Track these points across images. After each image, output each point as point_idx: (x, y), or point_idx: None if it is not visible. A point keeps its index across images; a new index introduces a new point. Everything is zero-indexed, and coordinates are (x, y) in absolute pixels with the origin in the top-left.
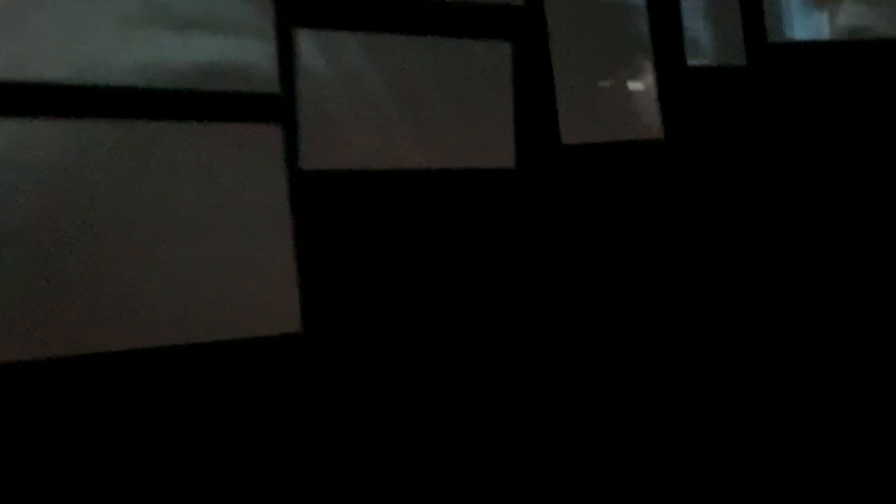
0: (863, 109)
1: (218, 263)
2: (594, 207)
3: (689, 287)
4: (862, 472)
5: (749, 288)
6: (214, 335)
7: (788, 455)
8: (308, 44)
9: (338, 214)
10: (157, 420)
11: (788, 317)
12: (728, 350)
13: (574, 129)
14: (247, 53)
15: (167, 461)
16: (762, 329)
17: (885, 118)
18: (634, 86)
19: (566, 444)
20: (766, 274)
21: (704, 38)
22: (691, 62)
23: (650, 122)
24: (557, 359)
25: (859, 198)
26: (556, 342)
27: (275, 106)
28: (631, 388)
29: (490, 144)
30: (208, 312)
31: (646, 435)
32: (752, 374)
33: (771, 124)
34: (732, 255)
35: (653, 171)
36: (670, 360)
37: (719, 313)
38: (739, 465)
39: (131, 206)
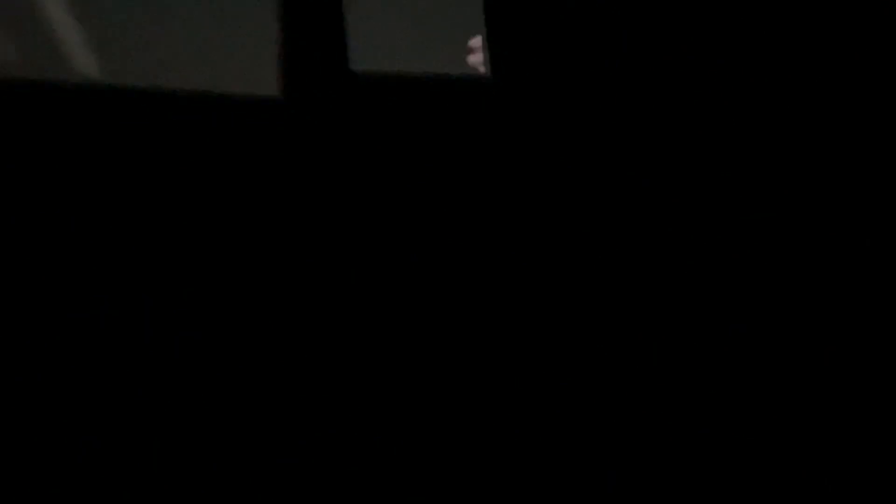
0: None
1: None
2: (387, 154)
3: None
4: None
5: (582, 242)
6: None
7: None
8: None
9: None
10: None
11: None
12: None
13: (368, 52)
14: None
15: None
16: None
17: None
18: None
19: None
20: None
21: None
22: None
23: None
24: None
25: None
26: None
27: None
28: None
29: (247, 65)
30: None
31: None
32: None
33: (624, 58)
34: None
35: (474, 113)
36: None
37: (545, 271)
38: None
39: None
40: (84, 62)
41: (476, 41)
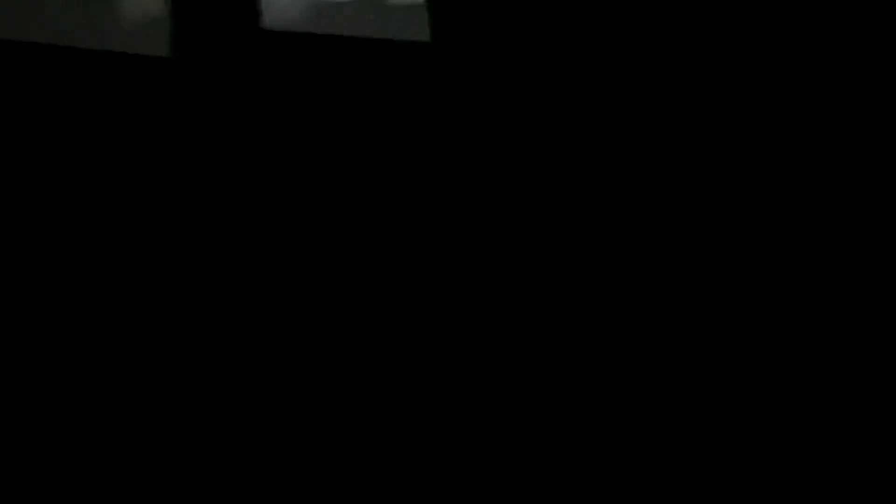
0: None
1: None
2: (284, 115)
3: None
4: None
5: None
6: None
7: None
8: None
9: None
10: None
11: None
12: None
13: (278, 11)
14: None
15: None
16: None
17: None
18: None
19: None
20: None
21: None
22: None
23: (414, 21)
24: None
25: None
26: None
27: None
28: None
29: (137, 23)
30: None
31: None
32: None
33: (562, 26)
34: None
35: (411, 79)
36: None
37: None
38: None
39: None
40: None
41: None
